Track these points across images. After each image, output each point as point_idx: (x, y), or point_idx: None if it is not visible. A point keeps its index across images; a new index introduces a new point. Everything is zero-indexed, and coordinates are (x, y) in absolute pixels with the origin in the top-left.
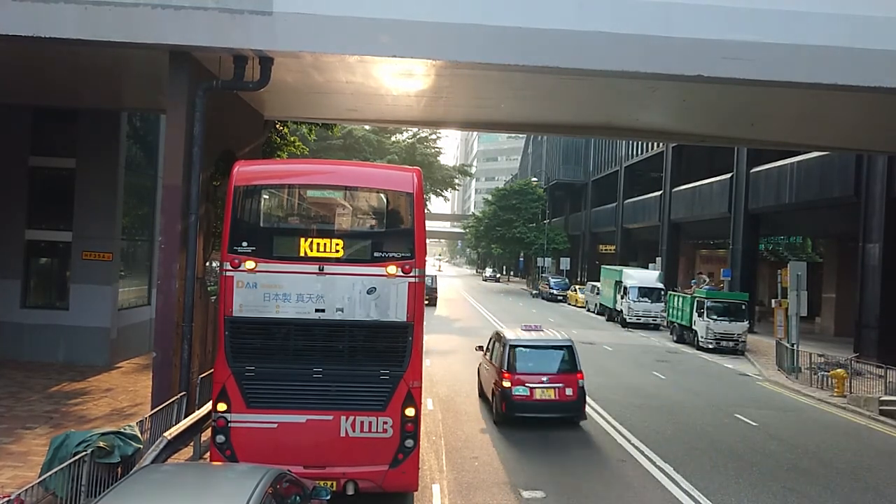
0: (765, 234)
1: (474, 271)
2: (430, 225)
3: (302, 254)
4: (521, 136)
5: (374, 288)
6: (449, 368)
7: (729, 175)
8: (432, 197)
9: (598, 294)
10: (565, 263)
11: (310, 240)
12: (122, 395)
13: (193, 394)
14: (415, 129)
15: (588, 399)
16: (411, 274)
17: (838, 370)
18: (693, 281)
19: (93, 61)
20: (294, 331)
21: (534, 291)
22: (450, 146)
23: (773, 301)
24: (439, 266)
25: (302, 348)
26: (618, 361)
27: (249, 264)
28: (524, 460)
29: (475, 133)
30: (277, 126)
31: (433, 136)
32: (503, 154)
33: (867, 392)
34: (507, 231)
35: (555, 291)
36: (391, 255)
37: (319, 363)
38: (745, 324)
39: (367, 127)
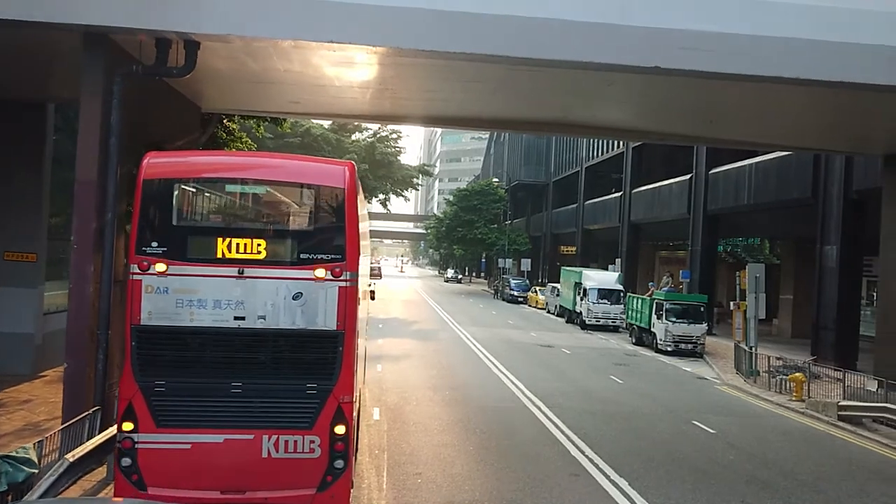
0: (724, 235)
1: (437, 272)
2: (392, 225)
3: (219, 255)
4: (483, 136)
5: (301, 293)
6: (401, 374)
7: (688, 176)
8: (392, 197)
9: (558, 296)
10: (526, 265)
11: (228, 240)
12: (40, 406)
13: (110, 408)
14: (375, 128)
15: (542, 406)
16: (342, 277)
17: (797, 374)
18: (651, 283)
19: (1, 45)
20: (210, 341)
21: (495, 292)
22: (413, 147)
23: (731, 303)
24: (401, 267)
25: (219, 360)
26: (575, 365)
27: (160, 267)
28: (471, 476)
29: (438, 133)
30: (224, 121)
31: (394, 136)
32: (467, 155)
33: (825, 396)
34: (468, 232)
35: (515, 293)
36: (319, 256)
37: (239, 377)
38: (704, 326)
39: (325, 125)
